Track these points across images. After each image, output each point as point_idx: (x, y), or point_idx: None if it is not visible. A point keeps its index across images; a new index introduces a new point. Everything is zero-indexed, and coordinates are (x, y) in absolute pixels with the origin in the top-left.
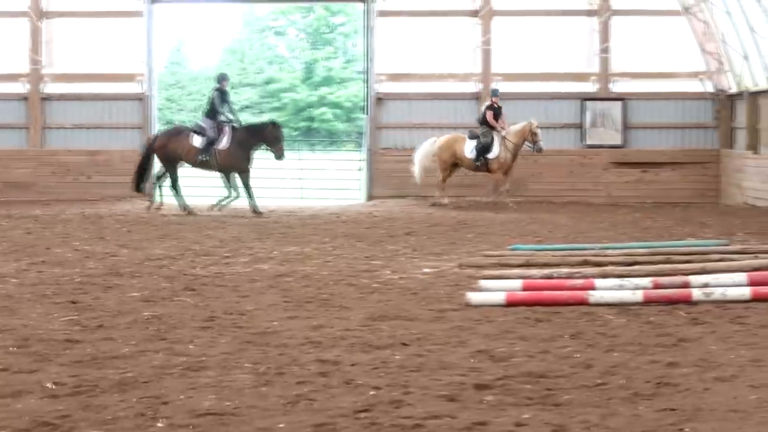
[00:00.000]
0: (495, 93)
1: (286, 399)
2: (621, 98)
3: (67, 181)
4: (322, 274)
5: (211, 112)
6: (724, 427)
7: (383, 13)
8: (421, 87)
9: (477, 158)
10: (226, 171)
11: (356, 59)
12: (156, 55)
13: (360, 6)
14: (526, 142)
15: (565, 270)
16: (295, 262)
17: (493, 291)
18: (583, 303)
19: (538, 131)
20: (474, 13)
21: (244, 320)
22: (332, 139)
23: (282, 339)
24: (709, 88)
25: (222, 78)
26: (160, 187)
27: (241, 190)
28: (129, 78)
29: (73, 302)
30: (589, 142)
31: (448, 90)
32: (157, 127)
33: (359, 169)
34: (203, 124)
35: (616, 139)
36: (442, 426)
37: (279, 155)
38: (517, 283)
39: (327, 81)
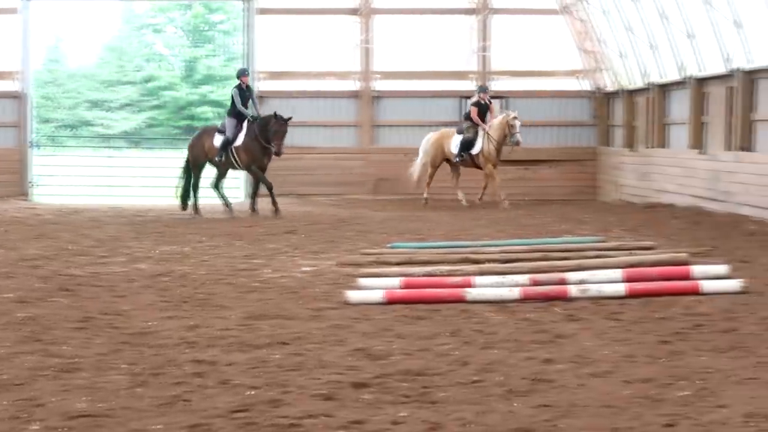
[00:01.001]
0: (483, 89)
1: (162, 400)
2: (501, 96)
3: None
4: (200, 273)
5: (233, 110)
6: (598, 422)
7: (263, 11)
8: (301, 85)
9: (459, 153)
10: (248, 168)
11: (237, 57)
12: (32, 53)
13: (239, 3)
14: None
15: (444, 268)
16: (173, 262)
17: (372, 289)
18: (461, 300)
19: (516, 123)
20: (354, 11)
21: (120, 321)
22: None
23: (158, 339)
24: (587, 86)
25: (241, 73)
26: (218, 190)
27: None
28: (5, 76)
29: None
30: None
31: (328, 88)
32: (33, 126)
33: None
34: (226, 123)
35: None
36: (318, 425)
37: (277, 150)
38: (396, 281)
39: (207, 79)
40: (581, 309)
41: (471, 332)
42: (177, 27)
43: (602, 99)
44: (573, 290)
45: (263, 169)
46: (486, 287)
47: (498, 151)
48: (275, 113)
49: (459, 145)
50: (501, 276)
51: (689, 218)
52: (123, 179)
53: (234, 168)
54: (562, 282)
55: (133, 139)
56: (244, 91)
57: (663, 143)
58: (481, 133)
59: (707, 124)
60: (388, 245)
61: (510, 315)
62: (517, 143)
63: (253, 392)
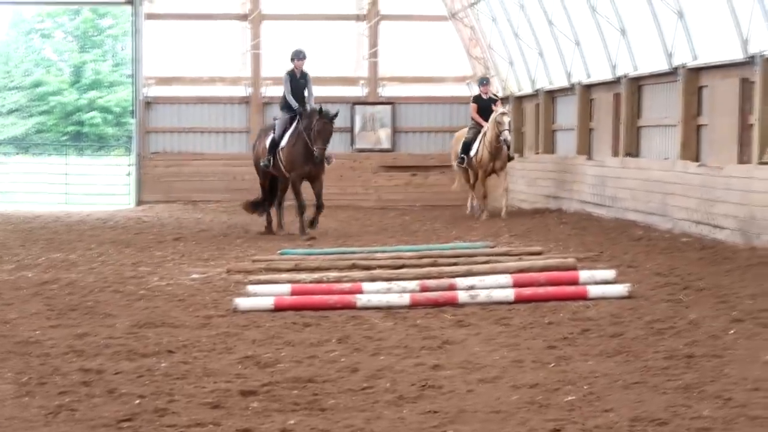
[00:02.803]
0: (483, 82)
1: (48, 409)
2: (390, 102)
3: None
4: (87, 281)
5: (283, 102)
6: (486, 427)
7: (151, 16)
8: (191, 91)
9: (460, 157)
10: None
11: (125, 62)
12: None
13: (128, 8)
14: None
15: (333, 274)
16: (60, 269)
17: (261, 296)
18: (351, 307)
19: (504, 120)
20: (244, 17)
21: (7, 329)
22: (101, 144)
23: (44, 348)
24: (475, 92)
25: (294, 56)
26: (279, 206)
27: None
28: None
29: None
30: (358, 146)
31: (218, 94)
32: None
33: (128, 174)
34: (278, 118)
35: (386, 143)
36: None
37: (317, 155)
38: (286, 288)
39: (96, 84)
40: (470, 314)
41: (361, 339)
42: (66, 32)
43: None
44: (462, 296)
45: (308, 178)
46: (376, 293)
47: (492, 154)
48: (320, 108)
49: (460, 148)
50: (391, 282)
51: (577, 223)
52: (11, 185)
53: (279, 175)
54: (452, 288)
55: (22, 144)
56: (297, 79)
57: (551, 149)
58: (481, 133)
59: (594, 130)
60: (279, 252)
61: (400, 321)
62: (506, 144)
63: (139, 401)
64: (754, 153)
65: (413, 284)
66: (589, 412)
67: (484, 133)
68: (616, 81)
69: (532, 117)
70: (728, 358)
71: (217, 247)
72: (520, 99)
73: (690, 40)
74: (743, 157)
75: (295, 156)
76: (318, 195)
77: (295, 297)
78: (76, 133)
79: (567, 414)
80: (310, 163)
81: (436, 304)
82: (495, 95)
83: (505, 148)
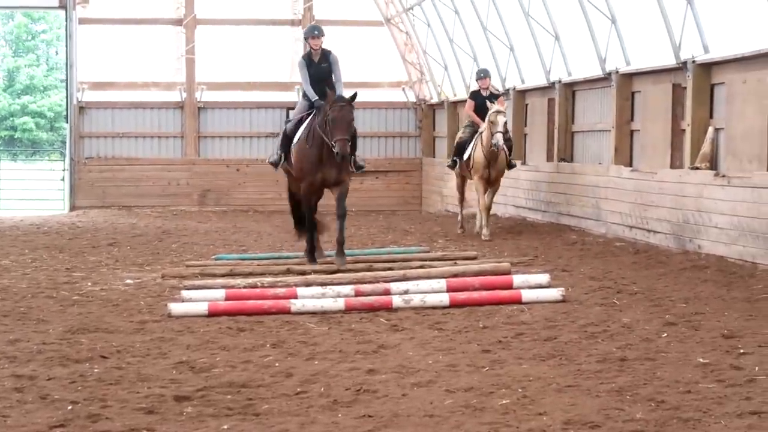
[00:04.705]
0: (482, 74)
1: None
2: None
3: None
4: (20, 287)
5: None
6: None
7: (85, 21)
8: (125, 96)
9: (452, 160)
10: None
11: (59, 67)
12: None
13: (61, 13)
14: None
15: (268, 279)
16: None
17: (195, 301)
18: (285, 312)
19: (498, 120)
20: (178, 22)
21: None
22: (35, 149)
23: None
24: (411, 97)
25: (308, 33)
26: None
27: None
28: None
29: None
30: None
31: (152, 98)
32: None
33: (62, 179)
34: (295, 109)
35: None
36: None
37: (339, 150)
38: (220, 293)
39: (29, 89)
40: (405, 319)
41: (295, 343)
42: None
43: (426, 110)
44: (397, 300)
45: (327, 185)
46: (310, 298)
47: (487, 160)
48: (338, 95)
49: (453, 150)
50: (325, 287)
51: (512, 228)
52: None
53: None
54: (387, 292)
55: None
56: (316, 63)
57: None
58: (477, 134)
59: (529, 135)
60: (213, 257)
61: (334, 326)
62: (498, 148)
63: (72, 407)
64: (686, 158)
65: (348, 289)
66: (522, 415)
67: (481, 134)
68: (551, 86)
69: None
70: (661, 361)
71: (152, 252)
72: (455, 104)
73: (623, 46)
74: (676, 162)
75: (307, 159)
76: (339, 200)
77: (229, 302)
78: (9, 138)
79: (501, 417)
80: (328, 167)
81: (371, 309)
82: (496, 90)
83: (503, 154)
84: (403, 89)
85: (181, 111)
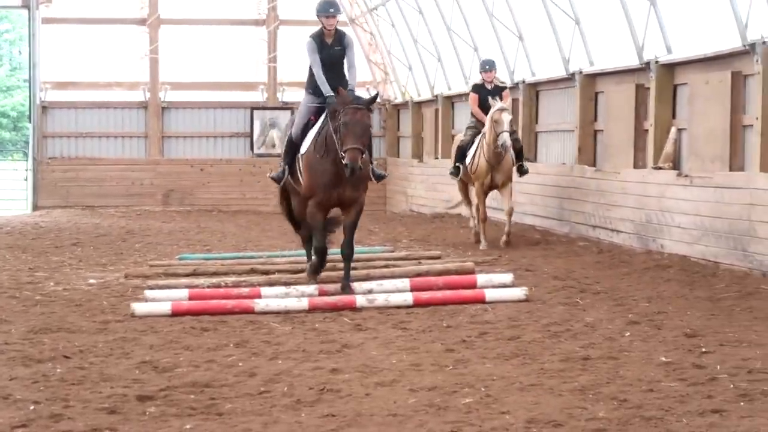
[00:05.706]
0: (486, 66)
1: None
2: (290, 107)
3: None
4: None
5: (309, 81)
6: (384, 430)
7: (48, 20)
8: (88, 95)
9: (454, 165)
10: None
11: (22, 67)
12: None
13: (24, 12)
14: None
15: (232, 279)
16: None
17: (158, 301)
18: (249, 311)
19: (502, 118)
20: (142, 22)
21: None
22: None
23: None
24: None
25: (321, 10)
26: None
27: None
28: None
29: None
30: (258, 151)
31: (116, 98)
32: None
33: (25, 179)
34: (300, 107)
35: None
36: None
37: (348, 161)
38: (184, 293)
39: None
40: (369, 318)
41: (259, 343)
42: None
43: (391, 110)
44: (360, 300)
45: (337, 204)
46: (274, 298)
47: (490, 164)
48: (354, 94)
49: (454, 155)
50: (289, 287)
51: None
52: None
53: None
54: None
55: None
56: (328, 46)
57: (450, 154)
58: (479, 135)
59: None
60: (177, 257)
61: (298, 325)
62: (505, 149)
63: (34, 407)
64: (649, 158)
65: (312, 288)
66: (486, 414)
67: (483, 135)
68: (514, 86)
69: (432, 122)
70: (624, 360)
71: (115, 252)
72: (419, 104)
73: (586, 47)
74: (638, 162)
75: (317, 174)
76: (349, 229)
77: (192, 302)
78: None
79: (464, 416)
80: (344, 183)
81: (335, 308)
82: (502, 83)
83: (509, 156)
84: (368, 89)
85: (144, 111)
